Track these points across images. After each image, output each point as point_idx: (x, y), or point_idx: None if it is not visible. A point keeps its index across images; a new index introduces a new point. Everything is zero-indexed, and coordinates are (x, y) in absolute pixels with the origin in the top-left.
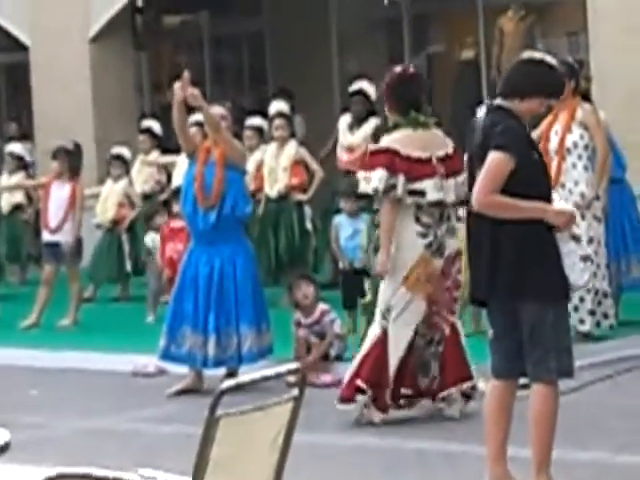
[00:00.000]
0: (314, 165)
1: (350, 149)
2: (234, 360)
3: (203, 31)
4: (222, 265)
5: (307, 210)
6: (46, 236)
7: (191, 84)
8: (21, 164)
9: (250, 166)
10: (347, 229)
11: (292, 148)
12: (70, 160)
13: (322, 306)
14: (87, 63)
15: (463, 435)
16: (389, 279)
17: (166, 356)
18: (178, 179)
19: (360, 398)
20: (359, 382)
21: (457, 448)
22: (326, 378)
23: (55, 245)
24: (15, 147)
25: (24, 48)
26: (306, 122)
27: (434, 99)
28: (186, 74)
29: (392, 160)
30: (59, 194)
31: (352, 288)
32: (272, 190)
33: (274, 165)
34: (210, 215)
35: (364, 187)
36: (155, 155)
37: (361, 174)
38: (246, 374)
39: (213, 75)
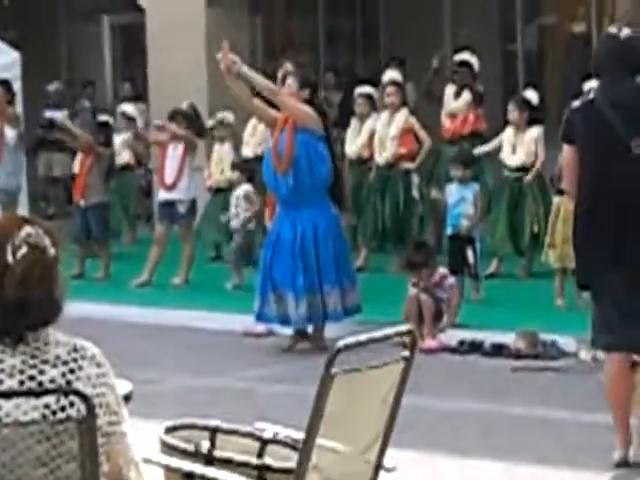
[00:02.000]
0: (423, 134)
1: (453, 115)
2: (319, 319)
3: None
4: (303, 229)
5: (414, 178)
6: (162, 194)
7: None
8: (131, 124)
9: (363, 134)
10: (454, 196)
11: (402, 116)
12: (188, 123)
13: (441, 270)
14: (203, 26)
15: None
16: None
17: (260, 317)
18: None
19: None
20: None
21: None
22: (432, 343)
23: (170, 204)
24: (127, 107)
25: (140, 9)
26: (417, 90)
27: (545, 70)
28: (225, 44)
29: None
30: (174, 154)
31: (456, 254)
32: (381, 158)
33: (384, 133)
34: (288, 179)
35: None
36: None
37: None
38: (357, 335)
39: (326, 41)
